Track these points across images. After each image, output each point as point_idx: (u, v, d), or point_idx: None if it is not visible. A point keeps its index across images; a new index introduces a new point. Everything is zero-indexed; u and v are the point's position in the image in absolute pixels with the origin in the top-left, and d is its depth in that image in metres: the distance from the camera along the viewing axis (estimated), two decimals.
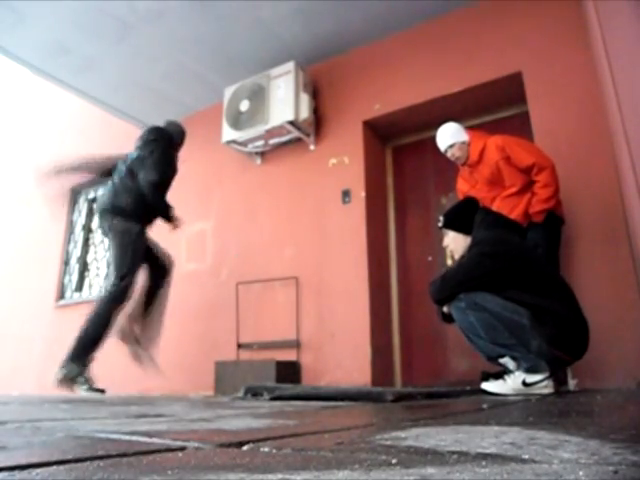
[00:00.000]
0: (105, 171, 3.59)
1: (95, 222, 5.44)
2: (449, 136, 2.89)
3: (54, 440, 0.84)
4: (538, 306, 2.04)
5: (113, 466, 0.57)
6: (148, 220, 3.39)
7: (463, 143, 2.86)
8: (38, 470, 0.54)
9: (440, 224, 2.46)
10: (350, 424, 1.18)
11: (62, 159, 3.47)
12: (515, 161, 2.68)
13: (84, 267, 5.47)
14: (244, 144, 4.20)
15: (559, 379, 2.23)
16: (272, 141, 4.13)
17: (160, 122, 3.73)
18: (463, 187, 2.99)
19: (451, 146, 2.88)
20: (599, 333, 2.32)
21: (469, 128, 3.16)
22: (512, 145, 2.72)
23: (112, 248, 3.25)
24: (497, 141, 2.76)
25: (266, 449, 0.70)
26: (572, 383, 2.41)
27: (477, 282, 2.13)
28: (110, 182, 3.41)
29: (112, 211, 3.25)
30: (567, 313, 2.06)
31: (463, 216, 2.41)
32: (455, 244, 2.42)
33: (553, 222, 2.65)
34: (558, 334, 2.01)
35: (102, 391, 3.04)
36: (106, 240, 3.49)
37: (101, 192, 3.71)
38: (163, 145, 3.38)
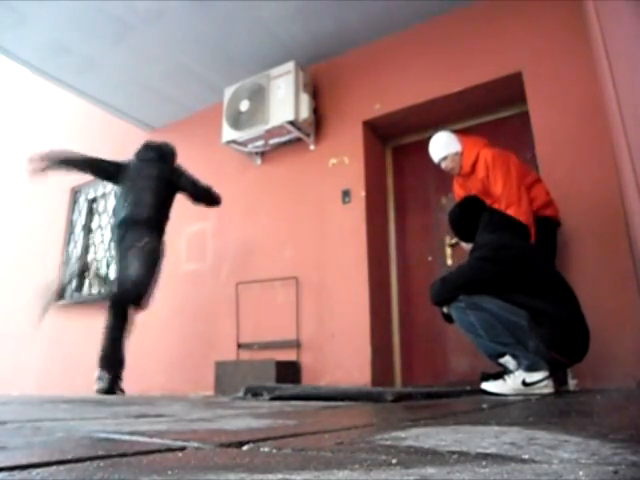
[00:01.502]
0: (101, 171, 3.67)
1: (95, 222, 5.44)
2: (441, 148, 2.88)
3: (54, 440, 0.84)
4: (537, 308, 2.04)
5: (113, 466, 0.57)
6: (163, 232, 3.61)
7: (456, 154, 2.84)
8: (38, 470, 0.54)
9: (454, 241, 2.48)
10: (350, 424, 1.18)
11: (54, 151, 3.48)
12: (488, 183, 2.67)
13: (84, 267, 5.46)
14: (244, 144, 4.19)
15: (559, 379, 2.23)
16: (272, 141, 4.13)
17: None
18: (459, 192, 2.98)
19: (444, 158, 2.87)
20: (599, 333, 2.32)
21: (464, 133, 3.14)
22: (496, 167, 2.65)
23: (132, 262, 3.35)
24: (487, 157, 2.70)
25: (266, 449, 0.69)
26: (572, 383, 2.41)
27: (477, 286, 2.14)
28: (127, 193, 3.50)
29: (140, 224, 3.39)
30: (567, 316, 2.06)
31: (468, 223, 2.41)
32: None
33: (548, 226, 2.64)
34: (556, 336, 2.01)
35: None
36: (115, 247, 3.58)
37: (116, 201, 3.83)
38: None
